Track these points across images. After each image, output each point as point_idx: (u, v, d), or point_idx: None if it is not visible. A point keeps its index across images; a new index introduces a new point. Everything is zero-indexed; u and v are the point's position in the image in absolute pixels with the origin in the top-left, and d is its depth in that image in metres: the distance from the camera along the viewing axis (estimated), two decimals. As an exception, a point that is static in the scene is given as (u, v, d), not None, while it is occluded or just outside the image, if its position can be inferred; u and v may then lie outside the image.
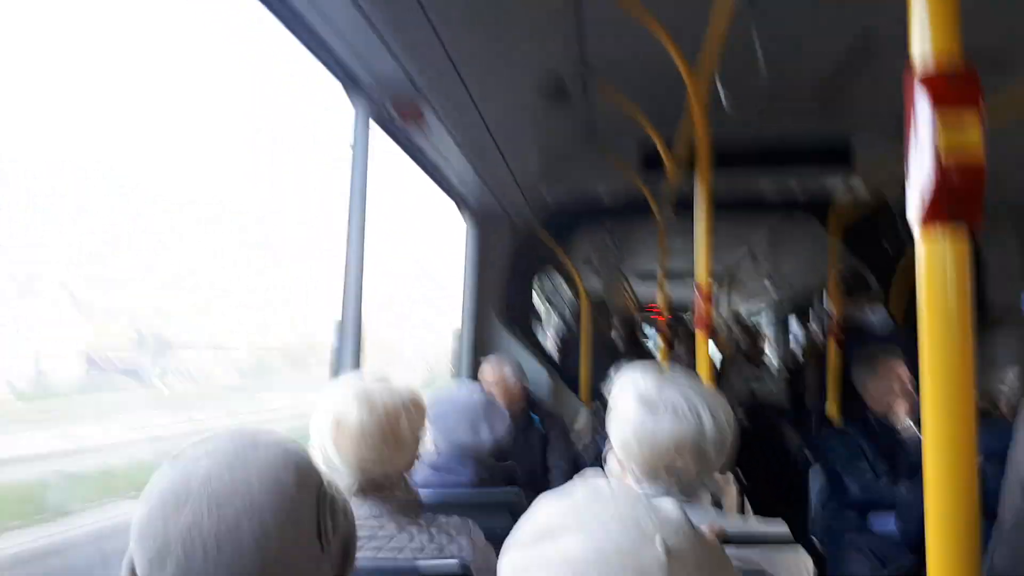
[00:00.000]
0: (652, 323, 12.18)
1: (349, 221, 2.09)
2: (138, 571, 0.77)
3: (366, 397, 1.42)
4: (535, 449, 3.25)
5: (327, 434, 1.42)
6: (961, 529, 0.65)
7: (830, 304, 3.81)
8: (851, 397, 3.24)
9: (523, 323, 4.52)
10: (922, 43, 0.69)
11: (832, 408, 3.57)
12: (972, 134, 0.66)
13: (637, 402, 1.25)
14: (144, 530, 0.76)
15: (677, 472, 1.23)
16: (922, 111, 0.67)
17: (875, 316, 3.70)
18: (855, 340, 3.60)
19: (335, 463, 1.41)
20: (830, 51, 2.72)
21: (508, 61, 2.39)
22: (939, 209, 0.67)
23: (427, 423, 2.20)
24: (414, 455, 1.52)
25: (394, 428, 1.42)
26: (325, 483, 0.84)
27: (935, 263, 0.67)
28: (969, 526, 0.65)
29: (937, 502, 0.66)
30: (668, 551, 0.60)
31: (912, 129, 0.69)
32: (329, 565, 0.83)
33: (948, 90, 0.67)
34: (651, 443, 1.22)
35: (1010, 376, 2.64)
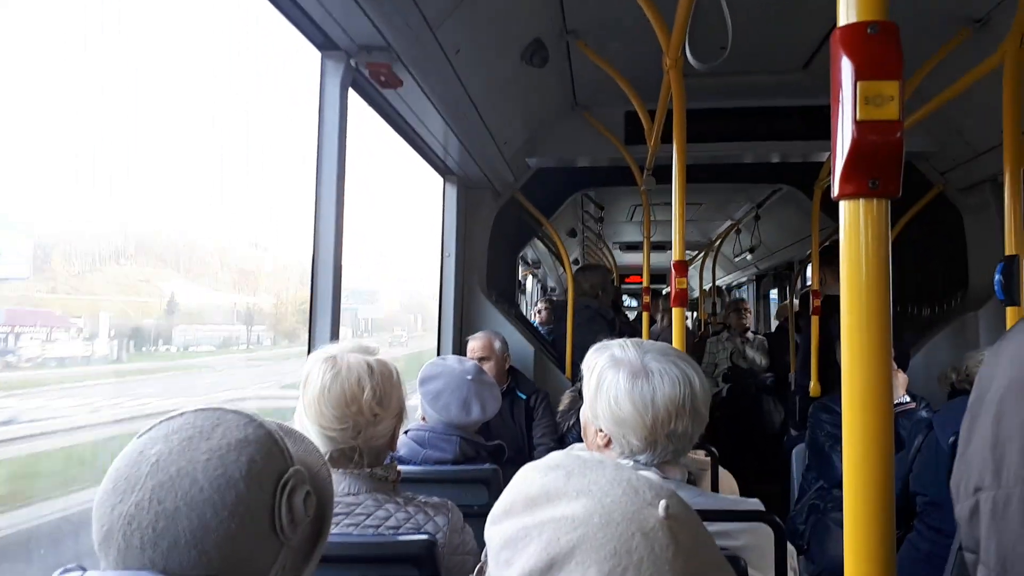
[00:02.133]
0: (632, 295, 12.24)
1: (323, 189, 2.02)
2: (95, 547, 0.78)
3: (332, 359, 1.43)
4: (520, 425, 3.23)
5: (300, 396, 1.42)
6: (877, 498, 0.67)
7: (812, 277, 3.79)
8: (834, 371, 3.24)
9: (507, 295, 4.47)
10: (847, 10, 0.68)
11: (815, 386, 3.58)
12: (890, 106, 0.66)
13: (627, 373, 1.26)
14: (96, 511, 0.78)
15: (676, 436, 1.25)
16: (844, 81, 0.67)
17: None
18: (834, 312, 3.59)
19: (308, 429, 1.40)
20: (816, 18, 2.66)
21: (487, 23, 2.31)
22: (857, 181, 0.67)
23: (420, 396, 2.19)
24: (386, 432, 1.48)
25: (355, 391, 1.40)
26: (290, 472, 0.83)
27: (854, 234, 0.67)
28: (885, 506, 0.67)
29: (855, 484, 0.67)
30: (668, 514, 0.64)
31: (837, 100, 0.68)
32: (290, 552, 0.82)
33: (868, 60, 0.66)
34: (652, 409, 1.24)
35: (978, 358, 2.63)
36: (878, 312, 0.66)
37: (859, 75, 0.66)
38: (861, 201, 0.67)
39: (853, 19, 0.67)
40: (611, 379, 1.28)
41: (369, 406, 1.41)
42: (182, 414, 0.83)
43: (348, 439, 1.41)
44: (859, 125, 0.65)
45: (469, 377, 2.21)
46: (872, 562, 0.67)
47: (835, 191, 0.68)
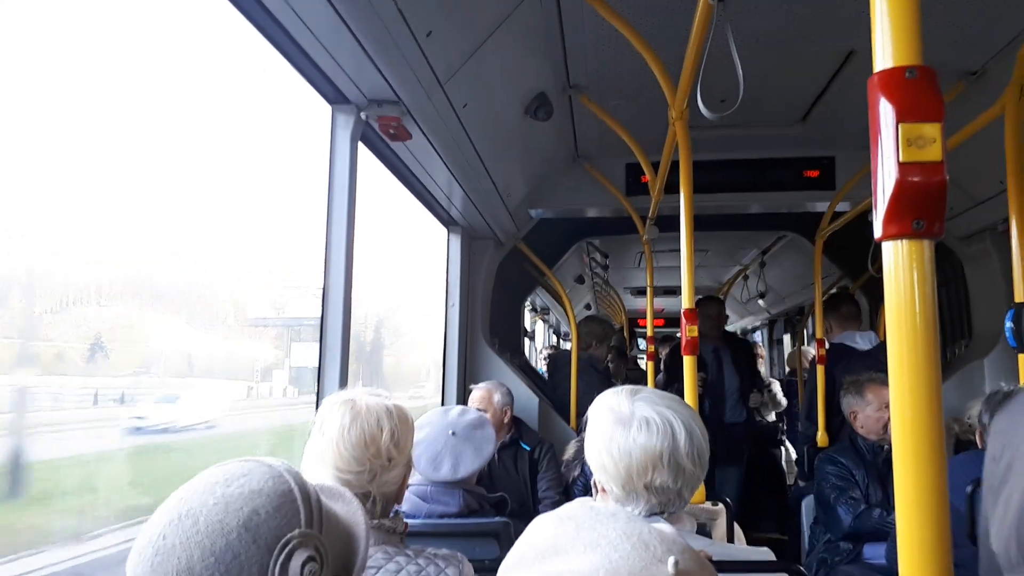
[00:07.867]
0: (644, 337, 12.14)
1: (332, 239, 2.04)
2: None
3: (350, 401, 1.43)
4: (524, 478, 3.18)
5: (312, 444, 1.40)
6: (932, 537, 0.65)
7: (816, 326, 3.79)
8: (839, 420, 3.22)
9: (512, 344, 4.46)
10: (883, 55, 0.69)
11: (822, 436, 3.54)
12: (933, 148, 0.66)
13: (611, 421, 1.26)
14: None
15: (656, 489, 1.22)
16: (884, 124, 0.67)
17: (861, 337, 3.70)
18: (839, 360, 3.59)
19: (321, 475, 1.38)
20: (813, 72, 2.73)
21: (493, 78, 2.37)
22: (901, 222, 0.67)
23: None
24: (397, 479, 1.47)
25: (374, 432, 1.40)
26: (296, 533, 0.81)
27: (898, 276, 0.67)
28: (940, 541, 0.65)
29: (908, 519, 0.66)
30: (678, 570, 0.61)
31: (877, 142, 0.68)
32: None
33: (909, 103, 0.67)
34: (627, 459, 1.22)
35: (976, 409, 2.61)
36: (925, 354, 0.66)
37: (900, 117, 0.66)
38: (905, 242, 0.67)
39: (890, 64, 0.68)
40: (598, 427, 1.27)
41: (387, 448, 1.41)
42: (234, 461, 0.85)
43: (364, 483, 1.39)
44: (902, 167, 0.66)
45: (451, 432, 2.13)
46: None
47: (878, 232, 0.68)
